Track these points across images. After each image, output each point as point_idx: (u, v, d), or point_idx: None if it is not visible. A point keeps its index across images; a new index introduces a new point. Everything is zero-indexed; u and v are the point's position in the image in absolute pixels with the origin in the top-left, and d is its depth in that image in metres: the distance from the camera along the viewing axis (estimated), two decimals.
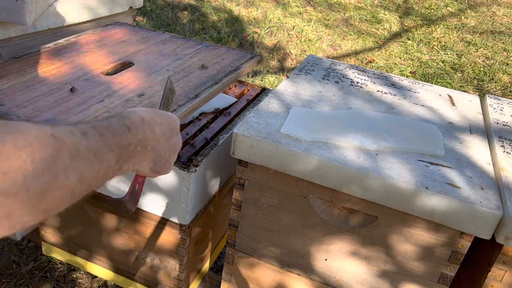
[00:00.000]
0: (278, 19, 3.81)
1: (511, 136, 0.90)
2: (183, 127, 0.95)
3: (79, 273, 1.53)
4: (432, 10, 4.37)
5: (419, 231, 0.75)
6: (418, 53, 3.57)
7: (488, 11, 4.46)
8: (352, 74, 1.10)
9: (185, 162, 0.86)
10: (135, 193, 0.63)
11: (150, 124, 0.56)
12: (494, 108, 1.02)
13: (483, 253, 0.79)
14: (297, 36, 3.62)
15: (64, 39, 1.07)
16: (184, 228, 0.91)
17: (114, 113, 0.58)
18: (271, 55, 3.28)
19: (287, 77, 1.02)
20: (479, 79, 3.28)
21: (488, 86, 3.19)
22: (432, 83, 1.38)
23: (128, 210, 0.63)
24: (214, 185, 0.99)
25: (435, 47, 3.69)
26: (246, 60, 1.04)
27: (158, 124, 0.58)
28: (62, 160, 0.42)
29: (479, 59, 3.56)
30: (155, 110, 0.61)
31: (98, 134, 0.47)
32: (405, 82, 1.10)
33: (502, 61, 3.55)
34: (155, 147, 0.57)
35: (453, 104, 1.02)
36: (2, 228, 0.40)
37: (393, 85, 1.07)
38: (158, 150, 0.58)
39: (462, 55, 3.59)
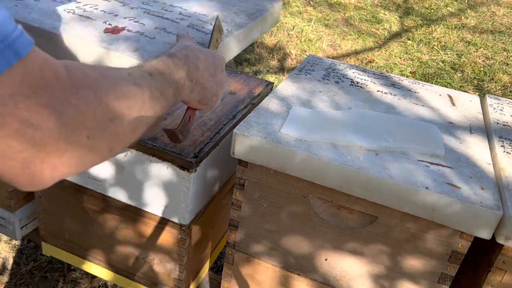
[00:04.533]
0: None
1: (511, 136, 0.90)
2: None
3: (79, 273, 1.53)
4: (432, 10, 4.37)
5: (419, 231, 0.75)
6: (418, 53, 3.57)
7: (488, 11, 4.46)
8: (352, 74, 1.10)
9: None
10: (185, 125, 0.71)
11: (194, 61, 0.62)
12: (494, 108, 1.02)
13: (483, 253, 0.79)
14: (297, 36, 3.62)
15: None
16: (184, 228, 0.91)
17: (163, 52, 0.63)
18: (271, 55, 3.27)
19: (287, 77, 1.03)
20: (479, 79, 3.28)
21: (488, 86, 3.19)
22: (432, 83, 1.38)
23: (180, 139, 0.71)
24: (214, 185, 0.99)
25: (435, 47, 3.69)
26: (264, 86, 1.20)
27: (202, 60, 0.64)
28: (145, 104, 0.50)
29: (479, 59, 3.56)
30: (200, 48, 0.67)
31: (160, 74, 0.54)
32: (405, 82, 1.10)
33: (502, 61, 3.55)
34: (200, 80, 0.63)
35: (453, 104, 1.02)
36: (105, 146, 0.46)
37: (393, 85, 1.07)
38: (203, 83, 0.64)
39: (462, 55, 3.59)
